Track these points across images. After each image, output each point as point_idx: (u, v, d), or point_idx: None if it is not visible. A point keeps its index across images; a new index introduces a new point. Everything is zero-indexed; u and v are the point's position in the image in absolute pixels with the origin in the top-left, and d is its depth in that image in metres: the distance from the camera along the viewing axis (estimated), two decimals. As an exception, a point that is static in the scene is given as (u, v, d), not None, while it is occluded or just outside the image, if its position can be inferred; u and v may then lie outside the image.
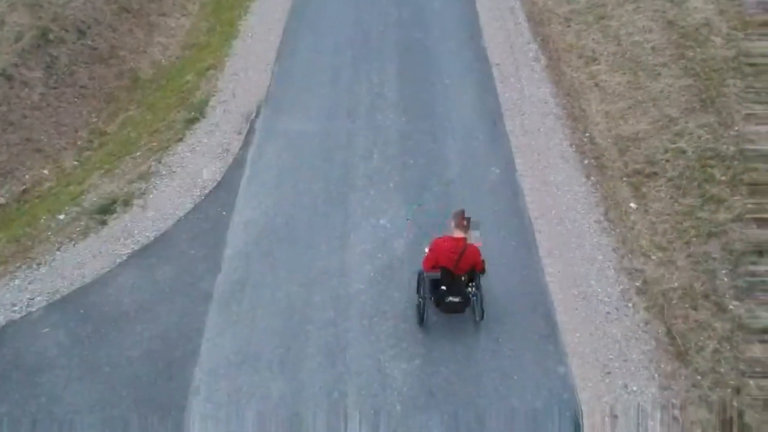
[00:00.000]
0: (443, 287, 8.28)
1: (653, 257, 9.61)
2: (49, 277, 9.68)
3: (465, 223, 8.18)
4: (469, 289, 8.41)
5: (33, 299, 9.36)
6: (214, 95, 13.34)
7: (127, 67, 14.51)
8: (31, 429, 7.90)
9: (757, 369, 8.05)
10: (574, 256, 9.82)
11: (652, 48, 13.15)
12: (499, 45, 14.76)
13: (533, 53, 14.43)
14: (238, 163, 11.60)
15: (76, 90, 13.37)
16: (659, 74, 12.50)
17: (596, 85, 13.04)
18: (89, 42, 14.20)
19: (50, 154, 12.23)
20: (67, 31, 13.92)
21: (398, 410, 7.98)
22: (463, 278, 8.29)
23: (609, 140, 11.68)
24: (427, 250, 8.42)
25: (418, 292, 8.87)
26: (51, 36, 13.56)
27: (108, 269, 9.79)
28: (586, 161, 11.43)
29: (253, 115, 12.76)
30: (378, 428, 7.83)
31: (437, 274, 8.28)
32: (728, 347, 8.32)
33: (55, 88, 13.07)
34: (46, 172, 11.97)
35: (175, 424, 7.91)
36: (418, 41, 14.99)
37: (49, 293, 9.44)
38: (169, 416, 7.98)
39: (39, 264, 9.90)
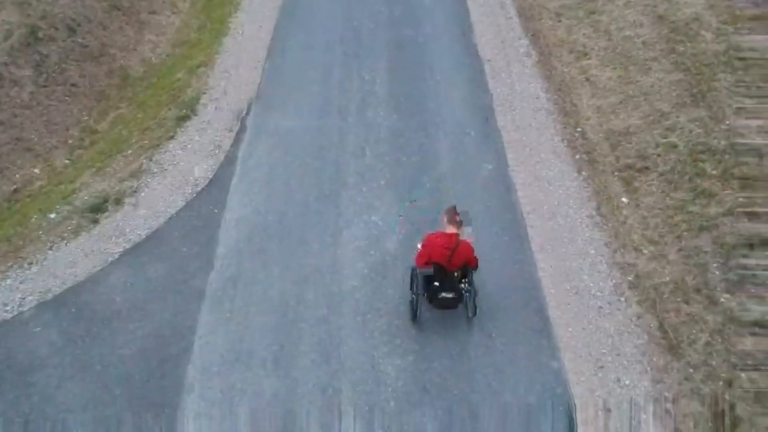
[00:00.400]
0: (436, 283, 8.28)
1: (645, 251, 9.64)
2: (41, 277, 9.65)
3: (457, 218, 8.20)
4: (462, 284, 8.43)
5: (24, 299, 9.32)
6: (205, 93, 13.30)
7: (118, 65, 14.45)
8: (24, 428, 7.87)
9: (749, 362, 8.08)
10: (567, 251, 9.85)
11: (643, 43, 13.18)
12: (490, 41, 14.76)
13: (524, 49, 14.44)
14: (229, 161, 11.58)
15: (67, 88, 13.31)
16: (650, 69, 12.54)
17: (587, 80, 13.06)
18: (79, 40, 14.14)
19: (41, 153, 12.18)
20: (56, 29, 13.85)
21: (392, 406, 7.98)
22: (456, 274, 8.30)
23: (600, 135, 11.70)
24: (419, 246, 8.43)
25: (411, 288, 8.86)
26: (40, 34, 13.49)
27: (100, 268, 9.76)
28: (577, 156, 11.45)
29: (244, 112, 12.74)
30: (372, 424, 7.83)
31: (430, 270, 8.28)
32: (720, 340, 8.35)
33: (45, 86, 13.01)
34: (37, 171, 11.92)
35: (168, 422, 7.89)
36: (409, 38, 14.97)
37: (40, 292, 9.41)
38: (162, 414, 7.96)
39: (30, 263, 9.86)
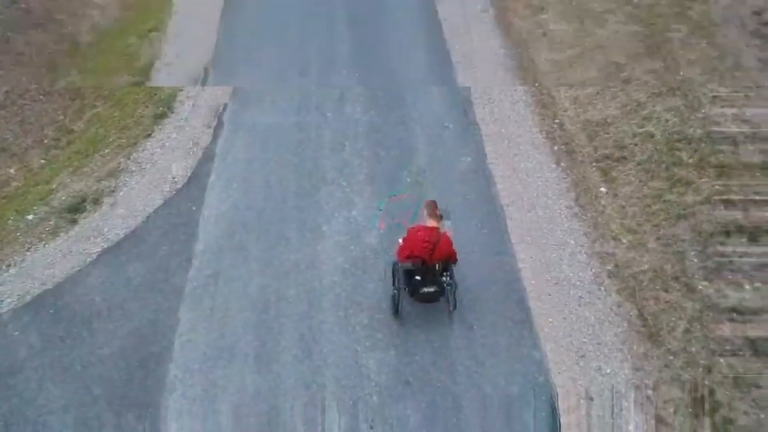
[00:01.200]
0: (417, 277, 8.29)
1: (624, 241, 9.71)
2: (19, 279, 9.56)
3: (437, 212, 8.20)
4: (444, 278, 8.43)
5: (2, 301, 9.24)
6: (158, 58, 13.23)
7: (66, 31, 14.03)
8: (5, 431, 7.80)
9: (727, 347, 8.19)
10: (546, 242, 9.88)
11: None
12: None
13: (481, 5, 14.89)
14: (207, 157, 11.50)
15: (13, 57, 12.94)
16: (606, 21, 13.01)
17: (544, 34, 13.68)
18: (22, 6, 13.76)
19: (16, 153, 12.04)
20: (-4, -3, 13.57)
21: (375, 400, 8.00)
22: (437, 267, 8.30)
23: (578, 126, 11.75)
24: (400, 240, 8.43)
25: (393, 283, 8.83)
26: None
27: (79, 268, 9.69)
28: (556, 147, 11.49)
29: (201, 77, 12.83)
30: (356, 418, 7.84)
31: (411, 264, 8.28)
32: (698, 327, 8.44)
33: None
34: (12, 171, 11.77)
35: (151, 421, 7.86)
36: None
37: (19, 295, 9.33)
38: (145, 413, 7.92)
39: (8, 265, 9.78)
